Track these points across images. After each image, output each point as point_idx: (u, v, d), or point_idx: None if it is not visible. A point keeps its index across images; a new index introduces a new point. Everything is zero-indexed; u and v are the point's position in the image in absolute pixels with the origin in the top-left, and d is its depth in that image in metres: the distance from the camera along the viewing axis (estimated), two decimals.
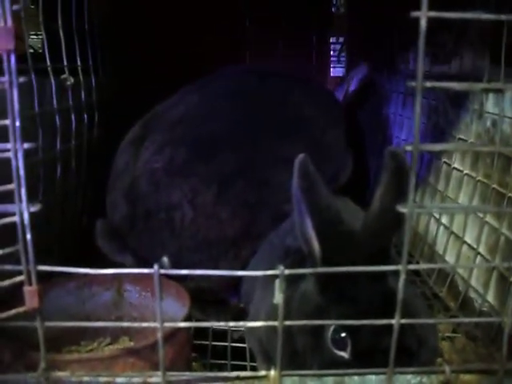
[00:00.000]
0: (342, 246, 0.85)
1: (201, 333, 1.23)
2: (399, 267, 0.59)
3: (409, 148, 0.56)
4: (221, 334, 1.27)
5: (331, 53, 2.83)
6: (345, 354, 0.80)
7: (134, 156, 1.43)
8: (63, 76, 1.35)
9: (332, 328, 0.82)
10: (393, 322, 0.60)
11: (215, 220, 1.31)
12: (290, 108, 1.52)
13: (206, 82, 1.64)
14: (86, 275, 1.11)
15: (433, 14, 0.53)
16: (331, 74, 2.88)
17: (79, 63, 1.47)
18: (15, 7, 0.57)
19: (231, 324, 0.70)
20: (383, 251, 0.84)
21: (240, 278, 1.31)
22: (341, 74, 2.87)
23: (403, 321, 0.60)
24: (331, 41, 2.80)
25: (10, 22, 0.54)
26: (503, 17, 0.56)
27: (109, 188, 1.46)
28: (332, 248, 0.84)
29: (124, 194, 1.39)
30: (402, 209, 0.57)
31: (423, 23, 0.53)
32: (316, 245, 0.85)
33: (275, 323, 0.60)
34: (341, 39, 2.81)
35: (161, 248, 1.33)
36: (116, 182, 1.44)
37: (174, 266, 1.28)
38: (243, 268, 1.30)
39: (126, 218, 1.38)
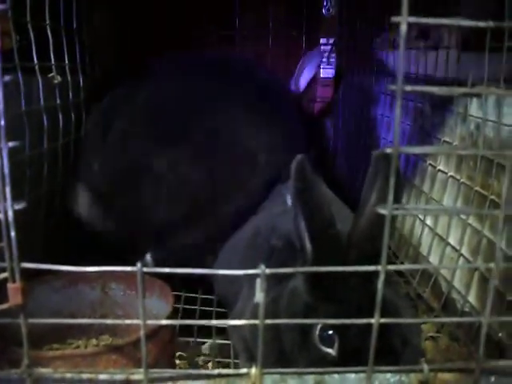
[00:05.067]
0: (333, 248, 0.86)
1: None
2: (379, 267, 0.60)
3: (389, 150, 0.58)
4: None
5: None
6: (332, 351, 0.82)
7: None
8: (50, 74, 1.35)
9: (319, 325, 0.83)
10: (372, 321, 0.61)
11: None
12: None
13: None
14: (71, 273, 1.11)
15: (413, 19, 0.54)
16: (321, 75, 2.89)
17: (67, 62, 1.46)
18: (1, 6, 0.57)
19: (214, 322, 0.70)
20: (377, 255, 0.85)
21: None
22: (330, 76, 2.88)
23: (382, 320, 0.61)
24: (321, 42, 2.81)
25: None
26: (481, 24, 0.57)
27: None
28: (323, 250, 0.86)
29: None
30: (381, 210, 0.58)
31: (403, 28, 0.54)
32: (308, 245, 0.86)
33: (256, 321, 0.60)
34: (331, 41, 2.82)
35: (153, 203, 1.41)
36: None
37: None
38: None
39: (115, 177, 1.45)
